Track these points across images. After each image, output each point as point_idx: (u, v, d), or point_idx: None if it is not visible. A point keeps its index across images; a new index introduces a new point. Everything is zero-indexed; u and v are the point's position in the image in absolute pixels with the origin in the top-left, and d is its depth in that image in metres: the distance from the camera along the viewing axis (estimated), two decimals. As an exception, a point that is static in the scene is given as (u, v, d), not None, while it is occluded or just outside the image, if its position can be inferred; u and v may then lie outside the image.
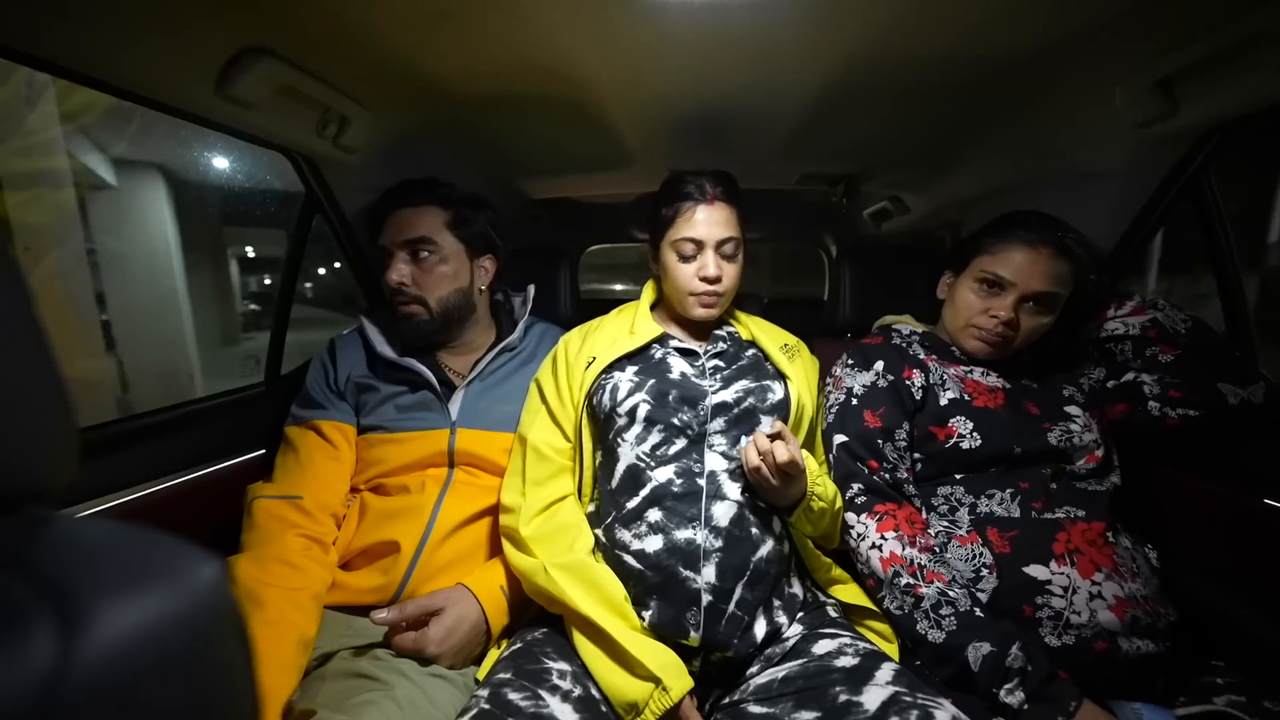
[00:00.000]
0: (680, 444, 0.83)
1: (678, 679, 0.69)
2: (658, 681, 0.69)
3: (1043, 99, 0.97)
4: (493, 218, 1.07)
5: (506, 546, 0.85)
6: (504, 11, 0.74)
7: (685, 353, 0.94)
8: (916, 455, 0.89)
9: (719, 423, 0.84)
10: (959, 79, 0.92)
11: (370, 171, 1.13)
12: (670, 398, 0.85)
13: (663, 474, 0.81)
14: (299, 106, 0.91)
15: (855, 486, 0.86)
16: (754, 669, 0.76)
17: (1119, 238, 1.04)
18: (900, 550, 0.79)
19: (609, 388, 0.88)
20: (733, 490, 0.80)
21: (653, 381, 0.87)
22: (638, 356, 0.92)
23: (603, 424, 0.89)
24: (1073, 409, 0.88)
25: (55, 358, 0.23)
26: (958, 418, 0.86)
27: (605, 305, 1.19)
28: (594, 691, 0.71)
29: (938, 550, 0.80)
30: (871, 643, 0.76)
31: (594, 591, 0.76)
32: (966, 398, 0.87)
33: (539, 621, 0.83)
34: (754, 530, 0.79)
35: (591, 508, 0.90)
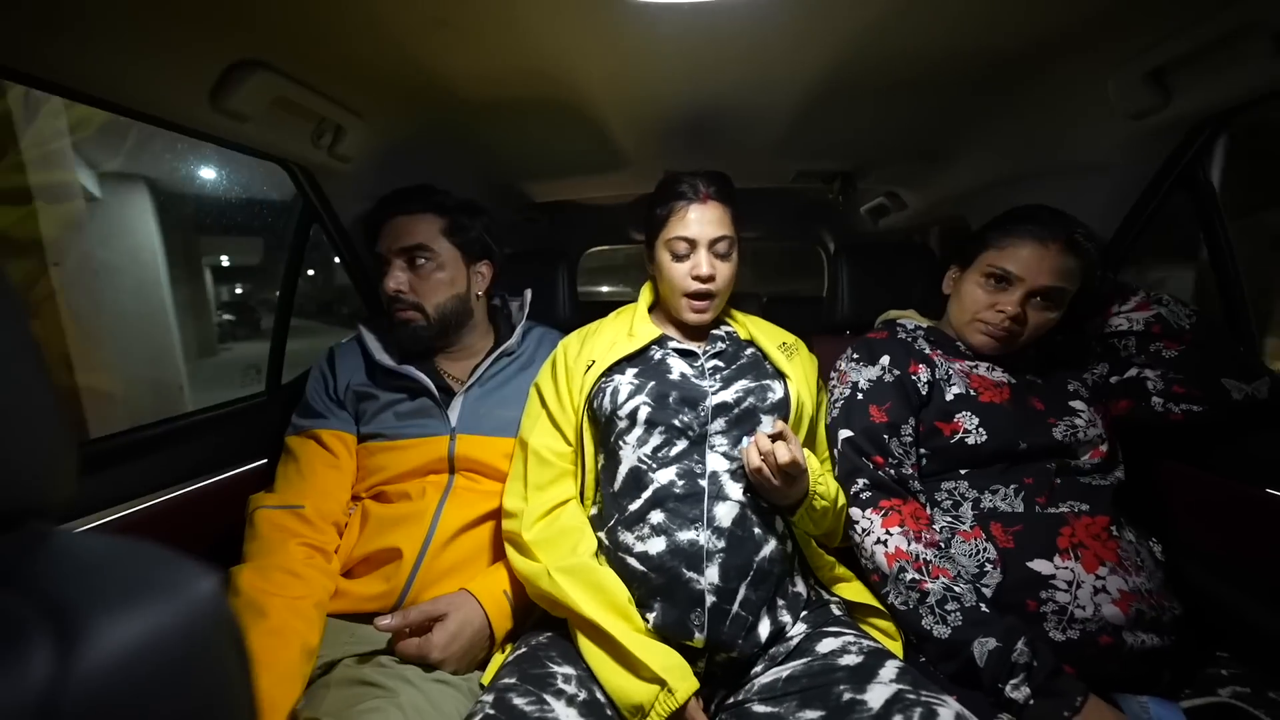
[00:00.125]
0: (681, 445, 0.83)
1: (683, 680, 0.69)
2: (663, 683, 0.68)
3: (1036, 92, 0.97)
4: (488, 223, 1.07)
5: (509, 551, 0.85)
6: (495, 18, 0.74)
7: (684, 354, 0.94)
8: (921, 450, 0.89)
9: (720, 423, 0.84)
10: (950, 74, 0.92)
11: (366, 180, 1.13)
12: (670, 399, 0.85)
13: (664, 475, 0.81)
14: (294, 118, 0.91)
15: (860, 481, 0.85)
16: (758, 668, 0.76)
17: (1116, 229, 1.04)
18: (905, 545, 0.79)
19: (609, 391, 0.88)
20: (735, 490, 0.80)
21: (653, 383, 0.87)
22: (637, 359, 0.93)
23: (604, 427, 0.89)
24: (1077, 404, 0.87)
25: (50, 374, 0.23)
26: (963, 413, 0.86)
27: (603, 308, 1.19)
28: (599, 695, 0.71)
29: (943, 546, 0.80)
30: (875, 641, 0.76)
31: (597, 594, 0.76)
32: (972, 393, 0.87)
33: (543, 626, 0.83)
34: (756, 530, 0.79)
35: (594, 511, 0.90)
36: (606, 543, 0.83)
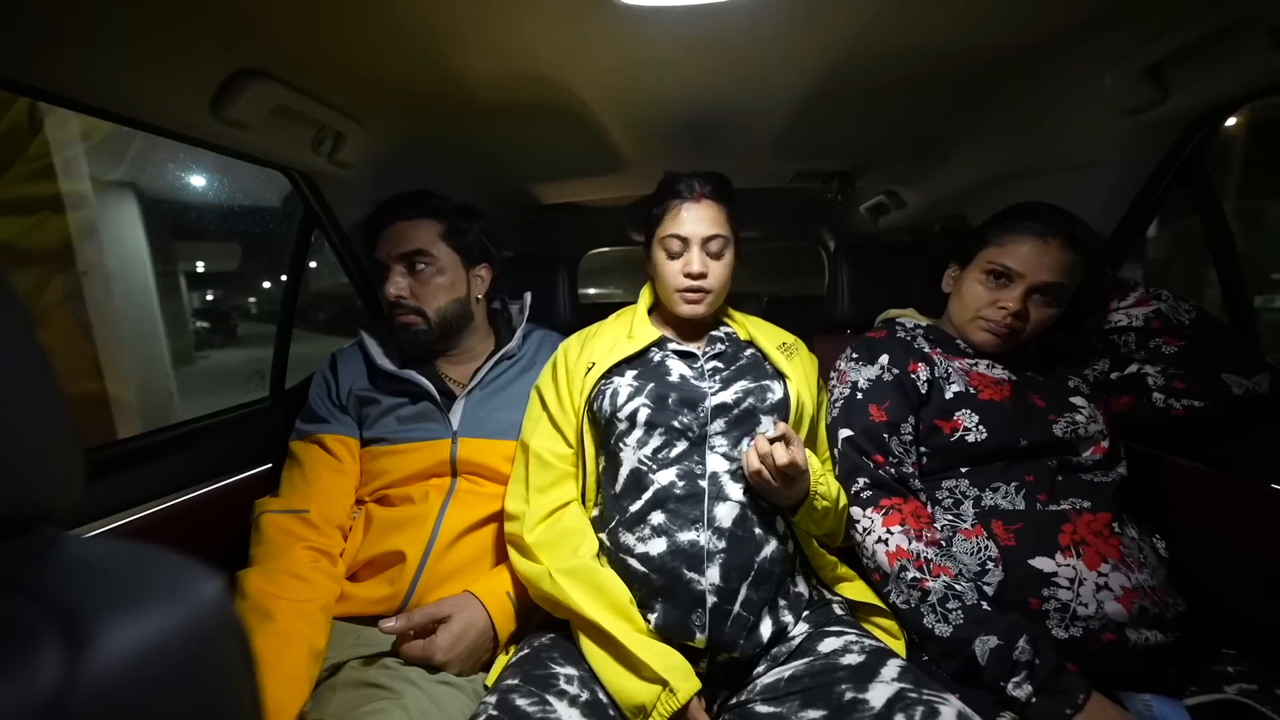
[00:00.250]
0: (681, 446, 0.84)
1: (685, 681, 0.69)
2: (664, 684, 0.69)
3: (1033, 89, 0.96)
4: (486, 226, 1.08)
5: (512, 553, 0.85)
6: (487, 23, 0.75)
7: (684, 355, 0.94)
8: (922, 449, 0.89)
9: (719, 424, 0.85)
10: (947, 72, 0.92)
11: (367, 185, 1.14)
12: (670, 401, 0.85)
13: (664, 477, 0.81)
14: (294, 125, 0.92)
15: (861, 481, 0.86)
16: (760, 668, 0.76)
17: (1115, 225, 1.03)
18: (906, 544, 0.79)
19: (609, 393, 0.88)
20: (735, 491, 0.81)
21: (652, 385, 0.87)
22: (636, 360, 0.93)
23: (604, 429, 0.89)
24: (1078, 400, 0.87)
25: (57, 381, 0.23)
26: (963, 411, 0.86)
27: (603, 310, 1.20)
28: (601, 696, 0.72)
29: (943, 544, 0.80)
30: (878, 640, 0.76)
31: (599, 596, 0.76)
32: (972, 391, 0.87)
33: (546, 627, 0.84)
34: (757, 530, 0.79)
35: (595, 512, 0.90)
36: (608, 544, 0.84)
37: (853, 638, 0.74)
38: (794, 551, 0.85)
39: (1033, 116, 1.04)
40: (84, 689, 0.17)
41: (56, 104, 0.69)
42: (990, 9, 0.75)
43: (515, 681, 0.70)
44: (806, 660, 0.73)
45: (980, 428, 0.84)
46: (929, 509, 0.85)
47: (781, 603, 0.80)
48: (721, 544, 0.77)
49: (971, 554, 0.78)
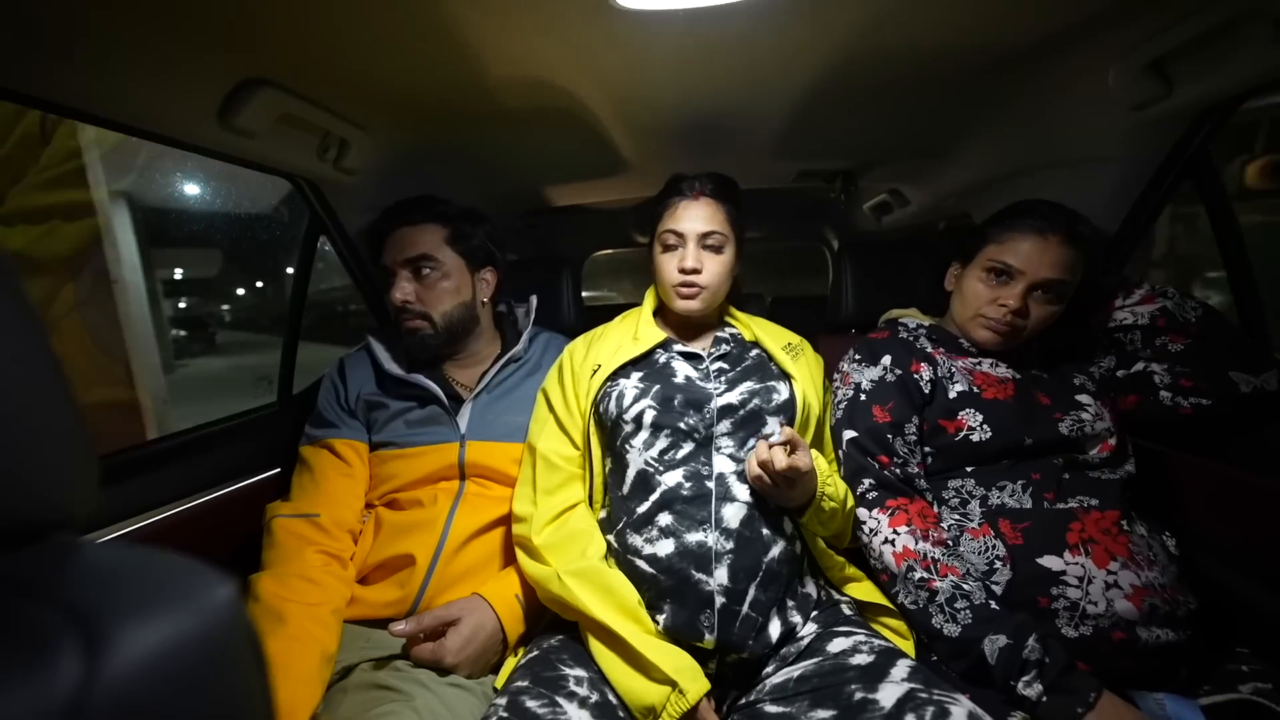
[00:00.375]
0: (688, 448, 0.84)
1: (694, 681, 0.70)
2: (674, 685, 0.69)
3: (1035, 86, 0.96)
4: (491, 230, 1.09)
5: (520, 555, 0.86)
6: (489, 29, 0.75)
7: (689, 356, 0.94)
8: (927, 449, 0.89)
9: (725, 425, 0.85)
10: (948, 71, 0.92)
11: (371, 191, 1.15)
12: (676, 402, 0.86)
13: (671, 478, 0.82)
14: (299, 133, 0.93)
15: (866, 482, 0.85)
16: (769, 669, 0.76)
17: (1121, 222, 1.03)
18: (913, 544, 0.78)
19: (614, 395, 0.88)
20: (742, 492, 0.81)
21: (658, 387, 0.87)
22: (642, 362, 0.93)
23: (610, 431, 0.90)
24: (1084, 398, 0.87)
25: (71, 388, 0.24)
26: (967, 410, 0.86)
27: (607, 313, 1.20)
28: (611, 697, 0.72)
29: (950, 544, 0.80)
30: (887, 640, 0.76)
31: (607, 597, 0.77)
32: (975, 390, 0.87)
33: (555, 629, 0.84)
34: (765, 531, 0.79)
35: (603, 514, 0.91)
36: (615, 545, 0.84)
37: (862, 638, 0.74)
38: (802, 552, 0.85)
39: (1036, 112, 1.03)
40: (100, 692, 0.17)
41: (68, 116, 0.70)
42: (992, 7, 0.75)
43: (525, 683, 0.71)
44: (816, 660, 0.73)
45: (985, 427, 0.84)
46: (935, 509, 0.85)
47: (790, 603, 0.80)
48: (729, 545, 0.77)
49: (979, 553, 0.78)
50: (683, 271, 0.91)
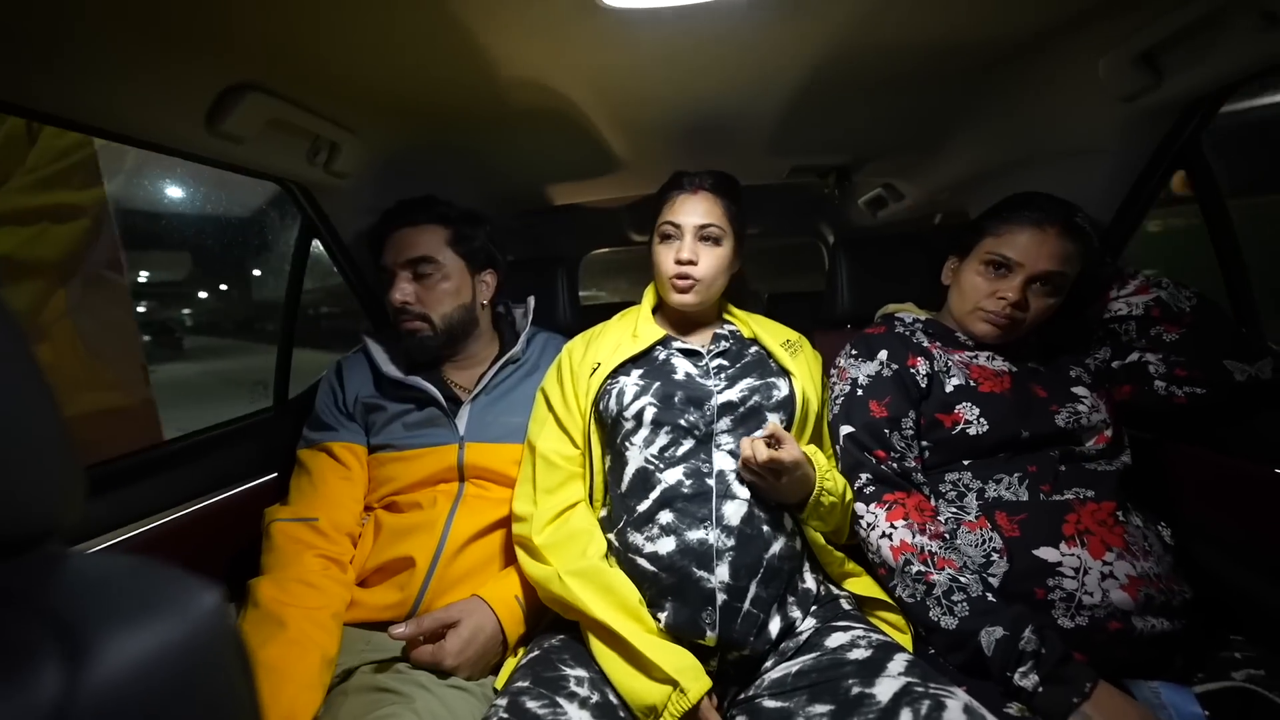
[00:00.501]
0: (688, 445, 0.84)
1: (695, 680, 0.70)
2: (675, 684, 0.69)
3: (1026, 79, 0.96)
4: (491, 232, 1.08)
5: (521, 555, 0.86)
6: (474, 31, 0.75)
7: (688, 353, 0.94)
8: (924, 443, 0.89)
9: (725, 422, 0.85)
10: (938, 66, 0.92)
11: (364, 194, 1.14)
12: (676, 399, 0.86)
13: (672, 475, 0.82)
14: (289, 137, 0.92)
15: (863, 476, 0.86)
16: (769, 664, 0.76)
17: (1115, 212, 1.03)
18: (910, 538, 0.79)
19: (615, 392, 0.88)
20: (742, 489, 0.81)
21: (658, 384, 0.87)
22: (642, 360, 0.93)
23: (610, 429, 0.90)
24: (1080, 390, 0.87)
25: (55, 396, 0.23)
26: (964, 404, 0.86)
27: (604, 311, 1.20)
28: (612, 697, 0.72)
29: (948, 537, 0.80)
30: (885, 634, 0.76)
31: (608, 596, 0.77)
32: (972, 384, 0.87)
33: (555, 628, 0.84)
34: (765, 528, 0.80)
35: (603, 512, 0.91)
36: (616, 544, 0.84)
37: (860, 632, 0.75)
38: (802, 548, 0.85)
39: (1028, 106, 1.04)
40: (83, 703, 0.17)
41: (54, 124, 0.69)
42: (982, 3, 0.75)
43: (525, 684, 0.71)
44: (814, 655, 0.73)
45: (981, 420, 0.84)
46: (932, 502, 0.85)
47: (790, 599, 0.80)
48: (730, 542, 0.77)
49: (976, 546, 0.79)
50: (679, 262, 0.91)
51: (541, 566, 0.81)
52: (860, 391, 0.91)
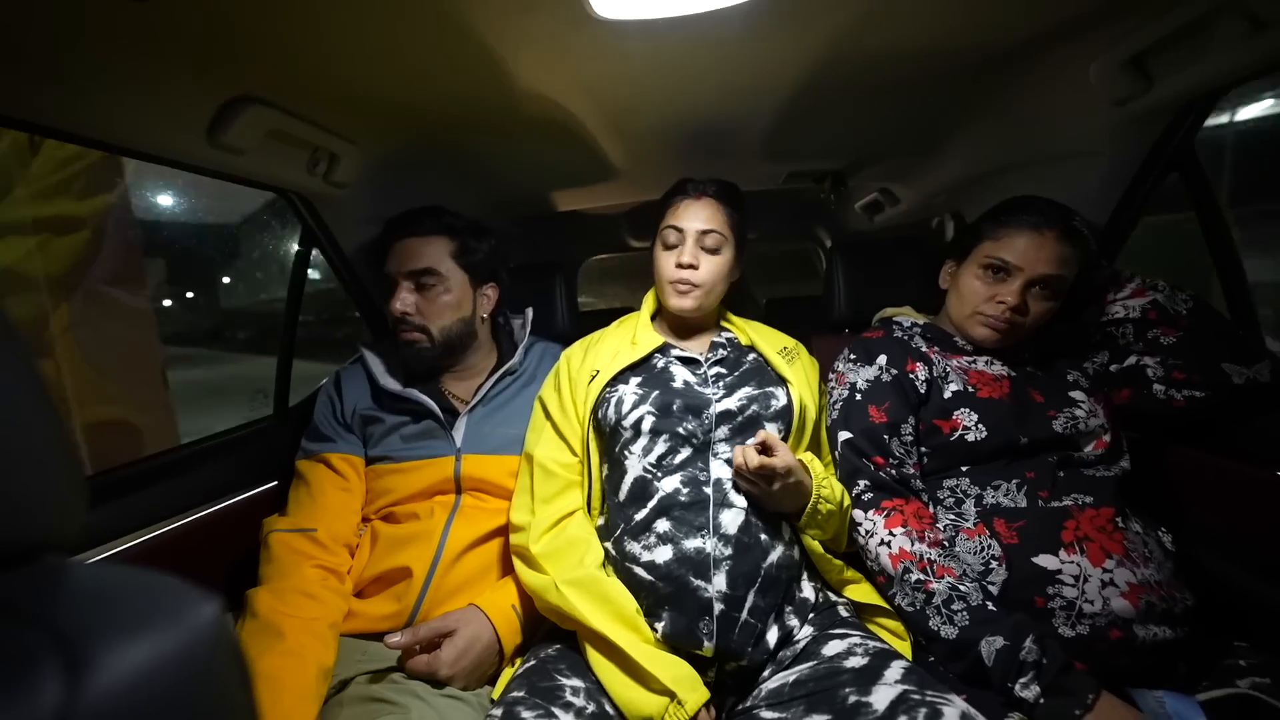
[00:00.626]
0: (685, 453, 0.84)
1: (692, 692, 0.70)
2: (672, 695, 0.69)
3: (1018, 83, 0.97)
4: (495, 245, 1.08)
5: (518, 565, 0.86)
6: (470, 42, 0.76)
7: (687, 361, 0.94)
8: (922, 449, 0.89)
9: (723, 430, 0.85)
10: (931, 71, 0.92)
11: (362, 203, 1.15)
12: (674, 407, 0.86)
13: (669, 484, 0.82)
14: (288, 148, 0.93)
15: (861, 483, 0.85)
16: (766, 674, 0.76)
17: (1109, 216, 1.03)
18: (909, 546, 0.78)
19: (613, 401, 0.88)
20: (739, 498, 0.81)
21: (656, 393, 0.87)
22: (640, 367, 0.93)
23: (609, 437, 0.90)
24: (1077, 394, 0.87)
25: (56, 408, 0.24)
26: (962, 410, 0.86)
27: (602, 319, 1.20)
28: (608, 707, 0.72)
29: (947, 544, 0.80)
30: (883, 641, 0.76)
31: (605, 606, 0.76)
32: (970, 389, 0.87)
33: (552, 638, 0.84)
34: (763, 536, 0.79)
35: (600, 521, 0.91)
36: (613, 553, 0.84)
37: (857, 640, 0.74)
38: (800, 556, 0.85)
39: (1021, 110, 1.04)
40: (83, 714, 0.17)
41: (56, 138, 0.70)
42: (971, 10, 0.76)
43: (521, 694, 0.70)
44: (811, 664, 0.73)
45: (980, 426, 0.84)
46: (931, 509, 0.85)
47: (788, 608, 0.80)
48: (728, 550, 0.77)
49: (975, 553, 0.78)
50: (680, 266, 0.92)
51: (538, 576, 0.81)
52: (859, 396, 0.91)
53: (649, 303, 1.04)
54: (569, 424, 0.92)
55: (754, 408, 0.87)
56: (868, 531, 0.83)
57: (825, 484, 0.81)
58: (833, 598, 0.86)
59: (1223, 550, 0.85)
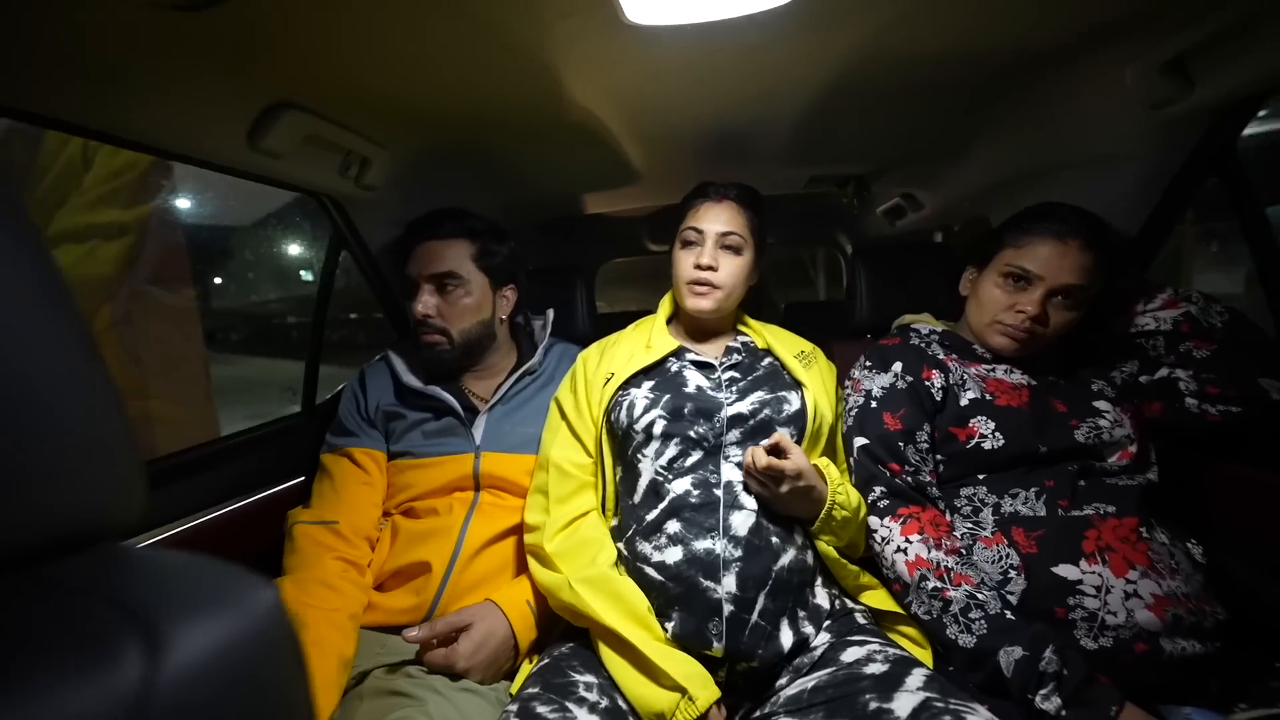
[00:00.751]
0: (696, 455, 0.84)
1: (703, 689, 0.70)
2: (683, 691, 0.69)
3: (1050, 86, 0.95)
4: (515, 247, 1.11)
5: (532, 563, 0.87)
6: (505, 48, 0.78)
7: (701, 365, 0.95)
8: (939, 457, 0.88)
9: (735, 434, 0.85)
10: (959, 75, 0.91)
11: (390, 206, 1.19)
12: (686, 411, 0.86)
13: (680, 485, 0.82)
14: (323, 152, 0.97)
15: (877, 490, 0.85)
16: (783, 680, 0.75)
17: (1143, 224, 1.00)
18: (926, 553, 0.77)
19: (625, 405, 0.89)
20: (750, 500, 0.81)
21: (668, 397, 0.88)
22: (654, 371, 0.94)
23: (621, 441, 0.90)
24: (1102, 404, 0.85)
25: (119, 397, 0.25)
26: (978, 418, 0.84)
27: (620, 321, 1.21)
28: (621, 703, 0.72)
29: (964, 552, 0.78)
30: (902, 648, 0.75)
31: (617, 604, 0.77)
32: (988, 397, 0.86)
33: (566, 636, 0.85)
34: (774, 539, 0.79)
35: (614, 522, 0.91)
36: (625, 553, 0.85)
37: (876, 646, 0.73)
38: (814, 561, 0.84)
39: (1051, 113, 1.02)
40: (162, 691, 0.18)
41: (110, 143, 0.74)
42: (1001, 13, 0.75)
43: (536, 690, 0.71)
44: (829, 670, 0.72)
45: (997, 434, 0.83)
46: (948, 517, 0.84)
47: (801, 613, 0.79)
48: (738, 552, 0.77)
49: (993, 562, 0.77)
50: (698, 268, 0.92)
51: (552, 574, 0.82)
52: (874, 403, 0.90)
53: (665, 305, 1.05)
54: (584, 425, 0.93)
55: (766, 411, 0.87)
56: (884, 538, 0.82)
57: (841, 490, 0.80)
58: (850, 604, 0.85)
59: (1260, 565, 0.81)
